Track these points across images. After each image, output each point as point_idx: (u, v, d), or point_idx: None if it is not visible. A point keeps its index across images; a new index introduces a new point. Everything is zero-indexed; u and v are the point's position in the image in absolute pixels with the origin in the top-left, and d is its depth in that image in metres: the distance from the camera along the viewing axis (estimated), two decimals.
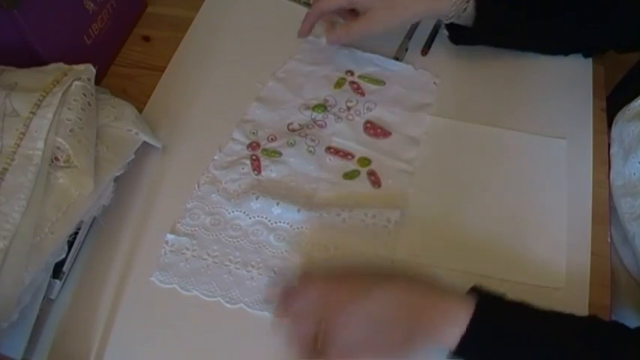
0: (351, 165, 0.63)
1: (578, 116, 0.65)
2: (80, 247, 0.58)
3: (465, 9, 0.62)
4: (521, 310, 0.46)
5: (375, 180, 0.62)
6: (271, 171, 0.62)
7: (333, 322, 0.46)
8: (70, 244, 0.55)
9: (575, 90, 0.68)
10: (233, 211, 0.59)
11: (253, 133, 0.66)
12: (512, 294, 0.53)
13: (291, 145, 0.64)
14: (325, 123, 0.66)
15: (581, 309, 0.53)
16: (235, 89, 0.71)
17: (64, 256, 0.54)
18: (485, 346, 0.44)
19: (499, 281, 0.55)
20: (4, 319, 0.48)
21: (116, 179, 0.59)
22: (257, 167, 0.62)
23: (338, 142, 0.64)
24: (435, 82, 0.69)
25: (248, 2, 0.80)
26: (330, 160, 0.63)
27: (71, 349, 0.53)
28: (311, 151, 0.63)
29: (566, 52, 0.70)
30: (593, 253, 0.56)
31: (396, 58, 0.72)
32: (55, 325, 0.54)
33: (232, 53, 0.75)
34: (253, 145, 0.64)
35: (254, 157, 0.63)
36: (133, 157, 0.61)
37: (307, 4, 0.79)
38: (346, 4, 0.65)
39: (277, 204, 0.58)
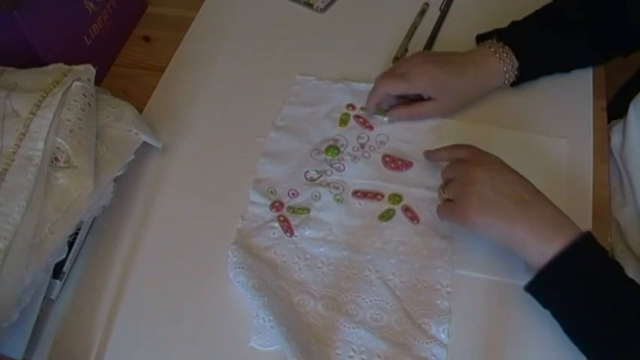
0: (384, 205, 0.60)
1: (578, 116, 0.65)
2: (80, 248, 0.58)
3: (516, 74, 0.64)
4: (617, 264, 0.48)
5: (412, 215, 0.59)
6: (304, 229, 0.58)
7: (481, 172, 0.52)
8: (70, 244, 0.55)
9: (575, 90, 0.67)
10: (275, 280, 0.55)
11: (271, 192, 0.61)
12: (513, 294, 0.54)
13: (316, 198, 0.60)
14: (343, 166, 0.62)
15: None
16: (236, 93, 0.71)
17: (64, 256, 0.54)
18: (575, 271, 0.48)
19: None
20: (5, 319, 0.48)
21: (116, 179, 0.59)
22: (288, 228, 0.58)
23: (362, 183, 0.61)
24: None
25: (248, 2, 0.81)
26: (360, 204, 0.60)
27: (71, 349, 0.53)
28: (338, 199, 0.60)
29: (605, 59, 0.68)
30: None
31: (396, 58, 0.72)
32: (55, 325, 0.54)
33: (232, 53, 0.75)
34: (276, 205, 0.60)
35: (282, 219, 0.59)
36: (133, 157, 0.61)
37: (307, 4, 0.79)
38: (410, 91, 0.63)
39: (323, 273, 0.56)
